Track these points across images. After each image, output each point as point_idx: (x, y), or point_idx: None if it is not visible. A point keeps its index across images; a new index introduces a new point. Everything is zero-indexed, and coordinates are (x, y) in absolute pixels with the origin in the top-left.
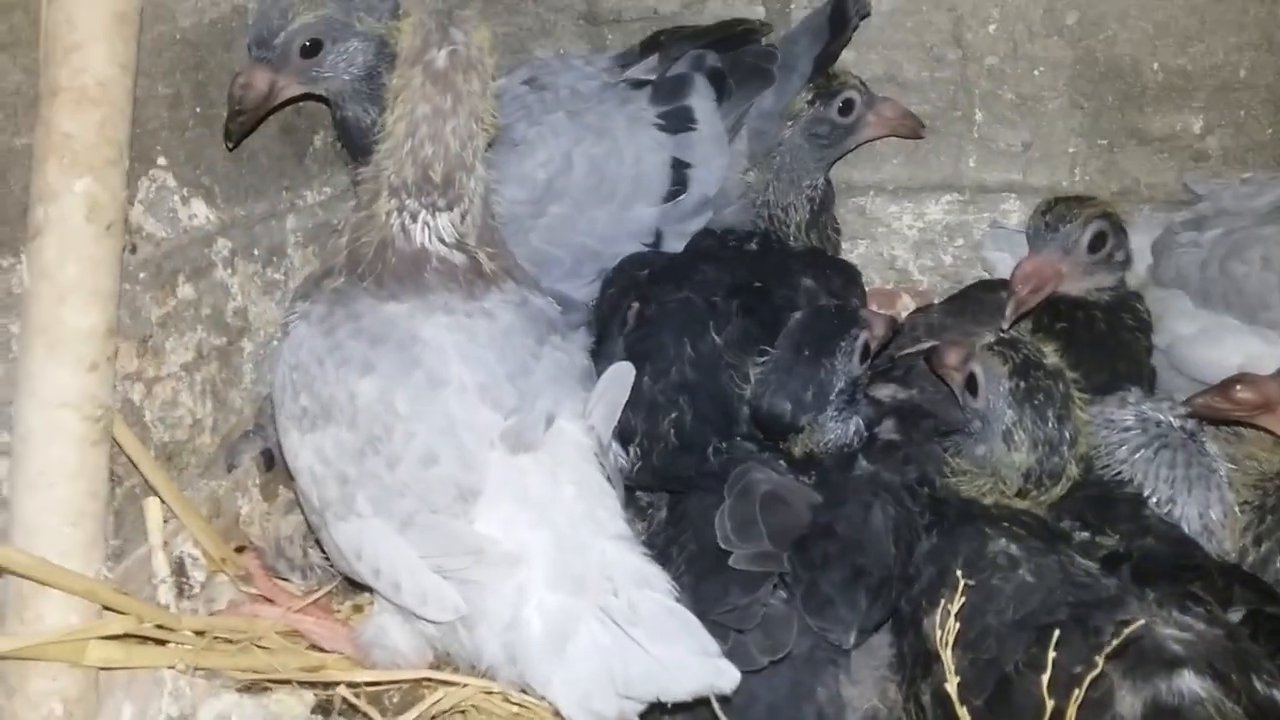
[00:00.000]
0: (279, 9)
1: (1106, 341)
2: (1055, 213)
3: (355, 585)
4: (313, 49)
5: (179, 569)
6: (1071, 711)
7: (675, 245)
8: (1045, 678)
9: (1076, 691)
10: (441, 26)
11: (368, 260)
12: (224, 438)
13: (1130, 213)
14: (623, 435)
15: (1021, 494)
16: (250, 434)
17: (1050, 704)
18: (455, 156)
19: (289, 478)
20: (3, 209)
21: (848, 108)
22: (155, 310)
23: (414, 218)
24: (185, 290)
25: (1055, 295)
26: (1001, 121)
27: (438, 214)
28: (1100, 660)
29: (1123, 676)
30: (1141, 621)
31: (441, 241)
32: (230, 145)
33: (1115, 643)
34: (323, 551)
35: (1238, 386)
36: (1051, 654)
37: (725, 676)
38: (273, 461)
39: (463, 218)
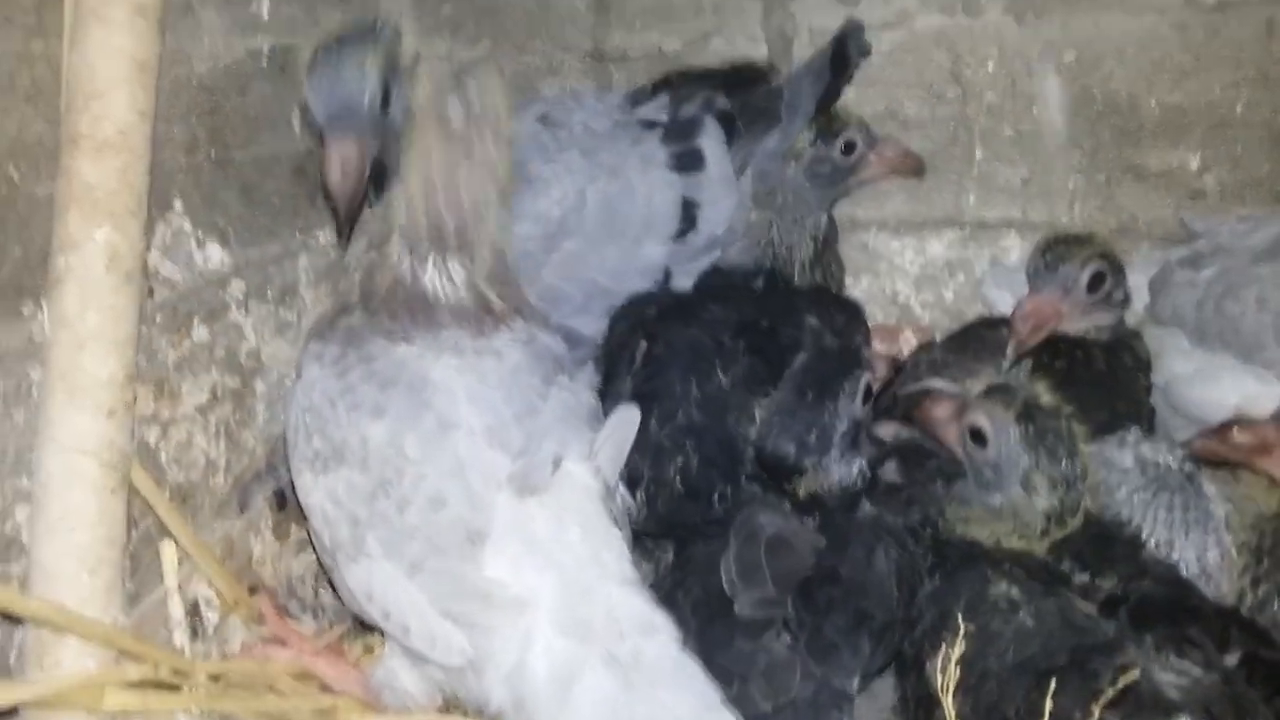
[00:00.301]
0: (355, 70)
1: (1106, 380)
2: (1054, 253)
3: (366, 626)
4: (385, 100)
5: (193, 611)
6: None
7: (684, 283)
8: None
9: None
10: (456, 77)
11: (380, 298)
12: (237, 478)
13: (1128, 249)
14: (629, 480)
15: (1044, 534)
16: (262, 474)
17: None
18: (469, 209)
19: (301, 517)
20: (25, 257)
21: (849, 148)
22: (171, 353)
23: (423, 261)
24: (200, 332)
25: (1055, 334)
26: (1001, 158)
27: (449, 259)
28: (1097, 709)
29: None
30: (1137, 672)
31: (451, 284)
32: (346, 236)
33: (1112, 691)
34: (334, 592)
35: (1235, 429)
36: (1050, 700)
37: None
38: (285, 502)
39: (472, 260)
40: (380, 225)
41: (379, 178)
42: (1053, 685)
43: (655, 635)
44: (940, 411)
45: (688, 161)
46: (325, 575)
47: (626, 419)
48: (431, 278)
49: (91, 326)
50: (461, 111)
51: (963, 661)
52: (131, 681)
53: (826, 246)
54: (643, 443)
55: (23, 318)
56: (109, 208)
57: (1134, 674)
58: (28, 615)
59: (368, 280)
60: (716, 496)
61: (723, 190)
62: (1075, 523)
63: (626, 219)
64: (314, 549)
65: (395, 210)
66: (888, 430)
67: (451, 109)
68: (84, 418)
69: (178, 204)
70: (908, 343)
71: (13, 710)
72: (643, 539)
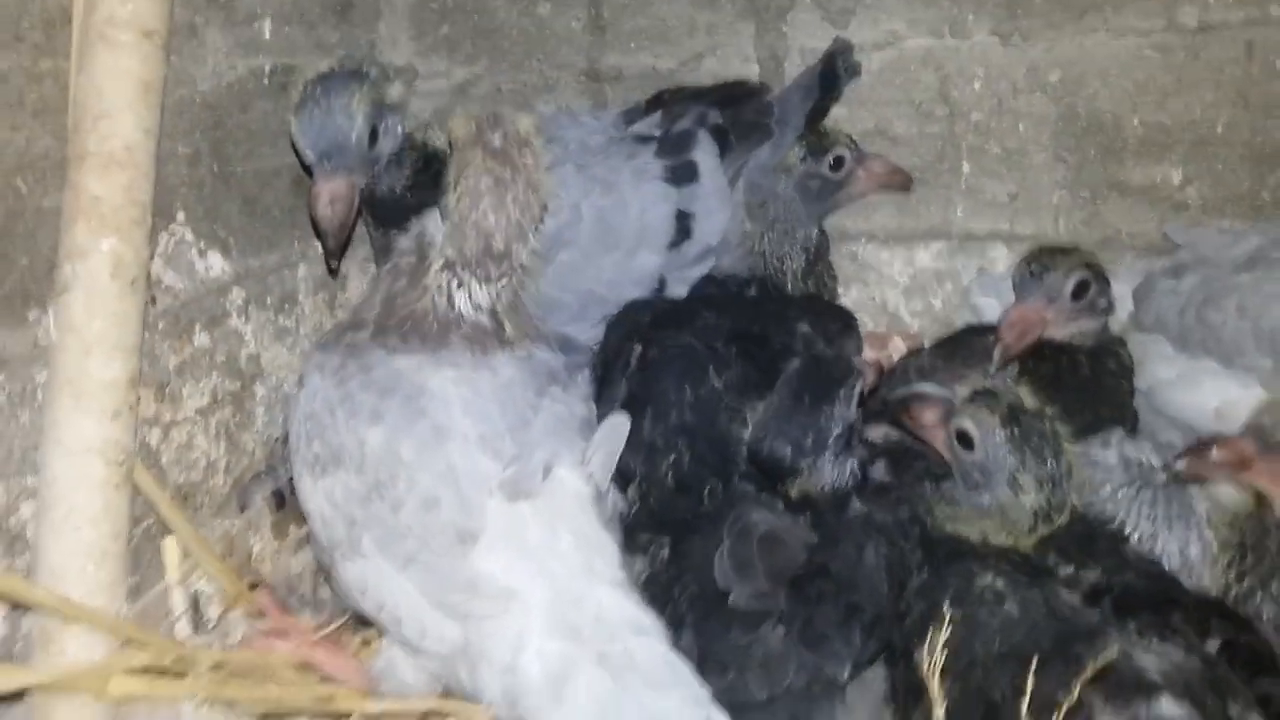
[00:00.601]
0: (342, 112)
1: (1090, 385)
2: (1040, 262)
3: (364, 620)
4: (372, 137)
5: (194, 605)
6: None
7: (678, 291)
8: (1027, 705)
9: (1057, 716)
10: (492, 114)
11: (397, 321)
12: (237, 479)
13: (1113, 261)
14: (622, 477)
15: (1031, 531)
16: (261, 475)
17: None
18: (515, 225)
19: (299, 517)
20: (31, 266)
21: (838, 164)
22: (173, 358)
23: (460, 285)
24: (201, 338)
25: (1041, 341)
26: (988, 174)
27: (485, 284)
28: (1078, 687)
29: (1104, 702)
30: (1116, 651)
31: (476, 310)
32: (335, 265)
33: (1093, 669)
34: (333, 588)
35: (1213, 450)
36: (1034, 682)
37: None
38: (283, 502)
39: (503, 284)
40: (412, 255)
41: (373, 208)
42: (1036, 666)
43: (645, 636)
44: (928, 416)
45: (681, 174)
46: (323, 572)
47: (617, 426)
48: (461, 301)
49: (97, 332)
50: (501, 136)
51: (950, 649)
52: (136, 668)
53: (818, 258)
54: (636, 442)
55: (29, 324)
56: (114, 220)
57: (1112, 651)
58: (35, 604)
59: (390, 303)
60: (707, 493)
61: (716, 202)
62: (1061, 520)
63: (621, 231)
64: (313, 547)
65: (436, 239)
66: (877, 433)
67: (492, 135)
68: (89, 419)
69: (180, 215)
70: (897, 350)
71: (19, 699)
72: (637, 535)
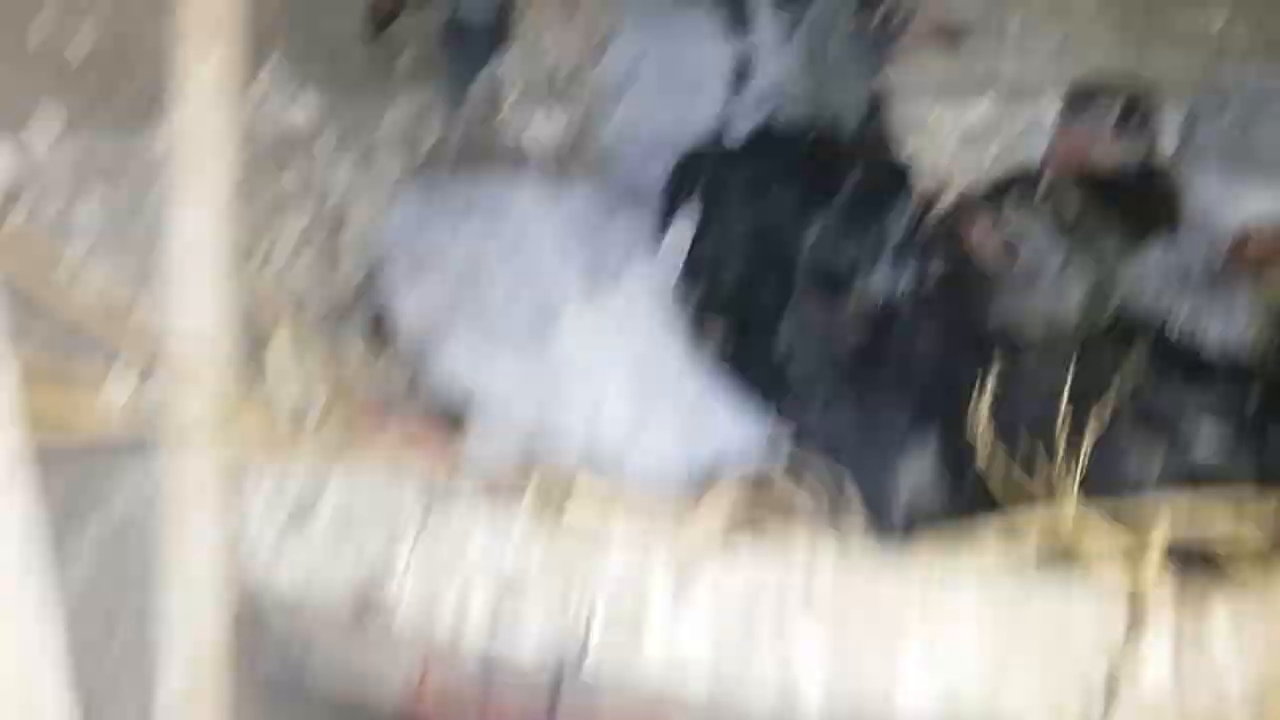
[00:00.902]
0: None
1: (1136, 205)
2: (1084, 92)
3: (453, 422)
4: None
5: (296, 407)
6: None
7: (738, 137)
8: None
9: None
10: None
11: (480, 161)
12: (330, 309)
13: (1159, 102)
14: (688, 281)
15: (1078, 328)
16: (353, 305)
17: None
18: (579, 54)
19: (389, 340)
20: (142, 86)
21: (888, 17)
22: (266, 194)
23: (531, 117)
24: (291, 177)
25: (1088, 169)
26: (1035, 25)
27: (555, 113)
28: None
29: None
30: (1143, 374)
31: (547, 139)
32: (372, 36)
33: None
34: (423, 396)
35: (1249, 243)
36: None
37: (780, 449)
38: (375, 328)
39: (569, 124)
40: (486, 98)
41: (450, 43)
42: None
43: (713, 394)
44: (977, 230)
45: (738, 22)
46: (415, 384)
47: (682, 233)
48: (533, 134)
49: (205, 143)
50: None
51: (997, 417)
52: (254, 427)
53: (873, 113)
54: (700, 256)
55: (143, 136)
56: (218, 41)
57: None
58: (164, 362)
59: (466, 143)
60: (768, 302)
61: (771, 50)
62: (1107, 317)
63: (681, 78)
64: (402, 363)
65: (506, 83)
66: (929, 256)
67: None
68: (201, 223)
69: (272, 60)
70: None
71: (143, 454)
72: (701, 338)
